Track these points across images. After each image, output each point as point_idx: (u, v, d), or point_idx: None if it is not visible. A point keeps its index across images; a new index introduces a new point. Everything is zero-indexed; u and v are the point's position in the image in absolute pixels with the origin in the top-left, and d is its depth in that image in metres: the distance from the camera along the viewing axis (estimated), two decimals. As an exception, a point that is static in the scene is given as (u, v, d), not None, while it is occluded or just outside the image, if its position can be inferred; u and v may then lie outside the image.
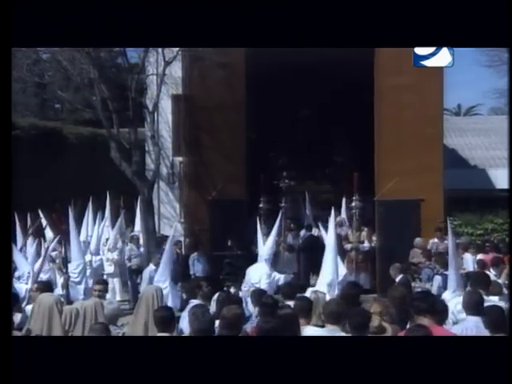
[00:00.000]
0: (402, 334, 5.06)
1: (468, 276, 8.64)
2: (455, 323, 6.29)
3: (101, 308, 6.52)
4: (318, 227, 15.19)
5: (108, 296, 11.96)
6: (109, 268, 13.83)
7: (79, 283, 10.46)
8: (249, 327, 5.97)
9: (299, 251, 14.86)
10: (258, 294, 6.98)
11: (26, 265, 9.84)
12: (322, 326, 5.60)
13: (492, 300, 6.63)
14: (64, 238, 12.14)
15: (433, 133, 14.49)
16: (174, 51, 14.69)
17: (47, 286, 7.80)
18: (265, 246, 11.28)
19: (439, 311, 5.43)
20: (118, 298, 13.41)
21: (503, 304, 6.25)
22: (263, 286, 9.69)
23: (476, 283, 7.15)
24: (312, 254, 14.14)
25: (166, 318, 5.41)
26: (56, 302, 6.30)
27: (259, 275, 10.35)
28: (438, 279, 9.71)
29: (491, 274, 9.26)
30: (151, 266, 11.52)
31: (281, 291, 7.50)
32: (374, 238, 14.60)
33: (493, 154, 23.34)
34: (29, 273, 9.53)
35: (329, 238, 9.34)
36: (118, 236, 14.44)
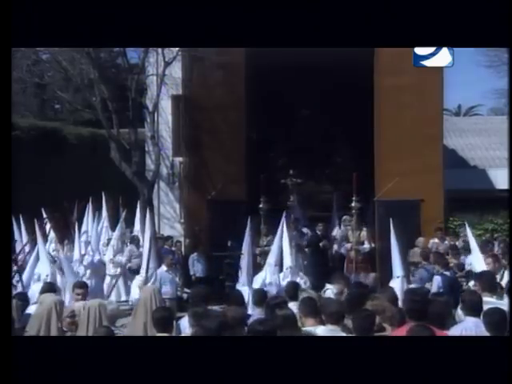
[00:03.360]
0: (405, 333, 5.04)
1: (470, 275, 8.60)
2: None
3: (105, 309, 6.50)
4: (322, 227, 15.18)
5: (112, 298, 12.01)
6: (113, 270, 13.75)
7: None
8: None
9: (306, 250, 14.77)
10: (261, 295, 6.96)
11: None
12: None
13: (494, 301, 6.59)
14: (67, 238, 12.14)
15: (433, 133, 14.51)
16: (174, 51, 14.71)
17: (51, 287, 7.81)
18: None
19: (436, 314, 5.38)
20: (123, 298, 13.34)
21: (504, 305, 6.21)
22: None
23: (481, 282, 7.12)
24: (316, 253, 14.14)
25: (165, 318, 5.41)
26: (55, 303, 6.26)
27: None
28: (437, 279, 9.67)
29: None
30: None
31: (285, 292, 7.44)
32: (373, 239, 14.56)
33: (493, 155, 23.33)
34: (46, 275, 9.60)
35: (473, 242, 9.23)
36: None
